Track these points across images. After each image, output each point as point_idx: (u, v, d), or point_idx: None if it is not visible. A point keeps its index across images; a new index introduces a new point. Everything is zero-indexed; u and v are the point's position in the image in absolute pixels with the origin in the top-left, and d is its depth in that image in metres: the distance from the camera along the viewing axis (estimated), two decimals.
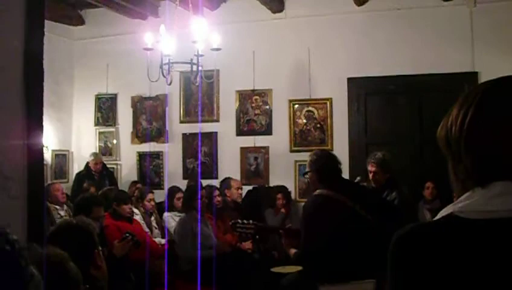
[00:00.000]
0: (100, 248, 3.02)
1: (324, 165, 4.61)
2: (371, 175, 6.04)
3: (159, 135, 9.41)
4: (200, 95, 8.78)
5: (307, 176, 4.81)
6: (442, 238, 1.21)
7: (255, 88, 8.83)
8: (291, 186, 8.34)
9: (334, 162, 4.66)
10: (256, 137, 8.86)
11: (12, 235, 1.31)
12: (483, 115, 1.23)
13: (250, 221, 5.30)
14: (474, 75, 7.42)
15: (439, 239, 1.21)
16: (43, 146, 2.45)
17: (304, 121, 8.63)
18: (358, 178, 6.23)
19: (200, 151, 9.04)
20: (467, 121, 1.24)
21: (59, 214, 7.08)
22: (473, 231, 1.18)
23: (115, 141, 9.70)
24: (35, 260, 1.45)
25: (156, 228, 7.50)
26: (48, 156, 9.17)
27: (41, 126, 2.38)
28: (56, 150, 9.43)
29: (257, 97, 8.87)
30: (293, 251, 4.83)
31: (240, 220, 5.37)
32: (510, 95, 1.24)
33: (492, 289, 1.13)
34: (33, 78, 2.34)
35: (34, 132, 2.32)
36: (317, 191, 4.53)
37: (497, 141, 1.20)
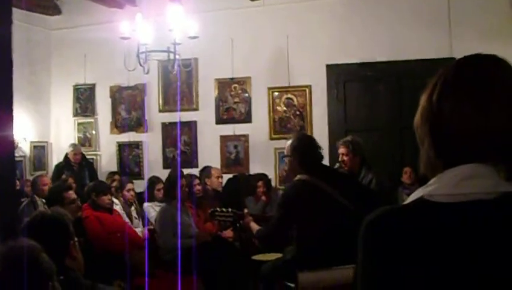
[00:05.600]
0: (76, 239, 3.01)
1: (307, 148, 4.59)
2: (341, 157, 6.08)
3: (138, 124, 9.36)
4: (178, 84, 8.73)
5: (286, 159, 4.76)
6: (411, 223, 1.20)
7: (234, 76, 8.80)
8: (271, 174, 8.34)
9: (315, 147, 4.64)
10: (236, 125, 8.84)
11: None
12: (448, 96, 1.23)
13: (229, 209, 5.30)
14: (451, 60, 7.40)
15: (409, 223, 1.21)
16: (13, 137, 2.42)
17: (284, 108, 8.62)
18: (337, 164, 6.24)
19: (180, 140, 9.01)
20: (433, 104, 1.24)
21: (45, 207, 7.01)
22: (442, 214, 1.18)
23: (94, 132, 9.63)
24: (2, 252, 1.44)
25: (136, 218, 7.47)
26: (26, 147, 9.10)
27: (12, 117, 2.35)
28: (34, 142, 9.36)
29: (236, 85, 8.84)
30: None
31: (218, 208, 5.37)
32: (472, 72, 1.24)
33: (463, 273, 1.13)
34: (2, 67, 2.30)
35: (4, 123, 2.29)
36: (298, 176, 4.53)
37: (463, 122, 1.20)
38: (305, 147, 4.60)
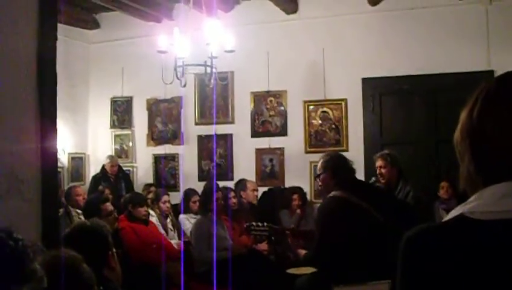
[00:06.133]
0: (114, 250, 3.04)
1: (338, 164, 4.60)
2: (378, 170, 6.04)
3: (175, 137, 9.43)
4: (214, 97, 8.78)
5: (318, 179, 4.76)
6: (451, 240, 1.19)
7: (270, 89, 8.82)
8: (306, 188, 8.30)
9: (347, 162, 4.65)
10: (272, 138, 8.85)
11: (17, 234, 1.36)
12: (488, 112, 1.22)
13: (265, 223, 5.31)
14: (490, 73, 7.35)
15: (449, 241, 1.19)
16: (56, 149, 2.48)
17: (319, 121, 8.62)
18: (373, 179, 6.21)
19: (216, 153, 9.05)
20: (473, 120, 1.23)
21: (80, 218, 7.08)
22: (483, 231, 1.16)
23: (130, 144, 9.74)
24: (45, 261, 1.49)
25: (171, 230, 7.52)
26: (64, 159, 9.23)
27: (55, 129, 2.40)
28: (72, 153, 9.49)
29: (272, 98, 8.86)
30: (302, 251, 4.83)
31: (254, 223, 5.38)
32: None
33: None
34: (46, 81, 2.36)
35: (48, 135, 2.34)
36: (332, 193, 4.51)
37: (504, 138, 1.19)
38: (337, 163, 4.61)
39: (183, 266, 5.81)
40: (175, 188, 9.21)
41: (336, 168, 4.56)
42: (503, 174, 1.18)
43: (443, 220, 1.27)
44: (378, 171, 6.06)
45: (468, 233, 1.18)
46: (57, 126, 2.48)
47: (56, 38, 2.40)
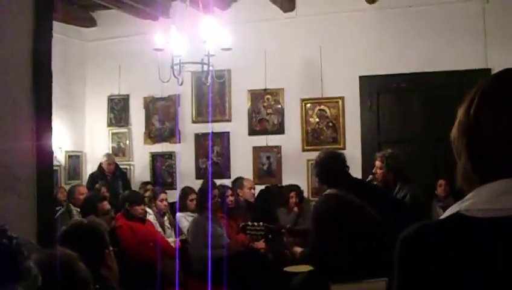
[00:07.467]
0: (111, 248, 3.03)
1: (324, 168, 4.61)
2: (375, 170, 6.06)
3: (172, 135, 9.42)
4: (210, 95, 8.76)
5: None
6: (448, 237, 1.19)
7: (267, 87, 8.82)
8: (303, 185, 8.31)
9: (336, 163, 4.63)
10: (269, 136, 8.85)
11: (12, 232, 1.36)
12: (485, 109, 1.22)
13: (260, 223, 5.29)
14: (487, 72, 7.34)
15: (445, 239, 1.19)
16: (52, 147, 2.47)
17: (316, 119, 8.62)
18: (370, 177, 6.21)
19: (212, 151, 9.04)
20: (470, 117, 1.23)
21: (80, 216, 7.07)
22: (479, 229, 1.16)
23: (127, 142, 9.73)
24: (40, 260, 1.49)
25: (169, 228, 7.52)
26: (61, 157, 9.22)
27: (51, 127, 2.39)
28: (69, 151, 9.50)
29: (269, 96, 8.86)
30: (298, 249, 4.84)
31: (249, 223, 5.37)
32: (511, 84, 1.23)
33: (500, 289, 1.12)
34: (42, 79, 2.35)
35: (44, 133, 2.33)
36: (328, 190, 4.53)
37: (501, 136, 1.18)
38: (324, 164, 4.61)
39: (178, 264, 5.80)
40: (172, 186, 9.21)
41: (322, 173, 4.60)
42: (500, 172, 1.18)
43: (440, 218, 1.27)
44: (374, 171, 6.08)
45: (464, 231, 1.18)
46: (54, 124, 2.48)
47: (51, 36, 2.39)
